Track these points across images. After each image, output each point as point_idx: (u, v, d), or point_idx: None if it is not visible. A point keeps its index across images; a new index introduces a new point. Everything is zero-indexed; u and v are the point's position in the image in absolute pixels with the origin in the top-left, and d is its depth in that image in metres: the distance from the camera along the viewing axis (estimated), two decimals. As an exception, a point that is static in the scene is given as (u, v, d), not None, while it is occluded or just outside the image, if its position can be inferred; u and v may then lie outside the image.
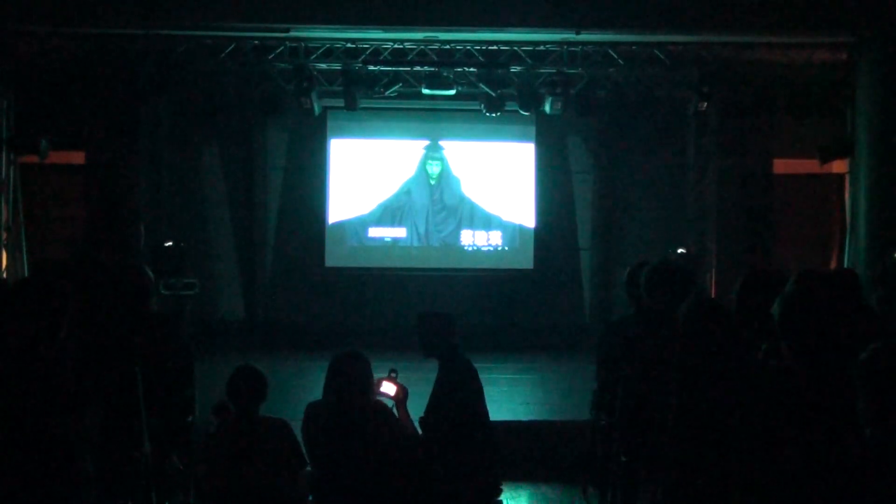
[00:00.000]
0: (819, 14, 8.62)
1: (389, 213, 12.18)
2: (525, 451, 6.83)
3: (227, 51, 9.99)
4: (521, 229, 12.23)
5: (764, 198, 11.13)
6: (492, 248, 12.25)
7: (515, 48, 10.07)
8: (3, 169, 9.70)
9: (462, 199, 12.21)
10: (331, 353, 4.54)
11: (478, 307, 11.96)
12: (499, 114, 10.80)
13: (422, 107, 11.75)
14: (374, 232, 12.17)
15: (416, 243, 12.22)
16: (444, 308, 11.60)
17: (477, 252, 12.26)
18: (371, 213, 12.14)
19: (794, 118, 10.63)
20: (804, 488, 2.74)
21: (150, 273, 4.74)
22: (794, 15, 8.62)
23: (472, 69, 10.35)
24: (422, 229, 12.20)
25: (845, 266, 9.50)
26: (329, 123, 11.94)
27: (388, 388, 4.67)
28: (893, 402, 2.45)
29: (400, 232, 12.20)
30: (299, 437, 4.46)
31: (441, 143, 12.20)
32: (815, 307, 2.99)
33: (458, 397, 4.91)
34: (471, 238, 12.25)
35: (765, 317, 3.33)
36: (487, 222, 12.23)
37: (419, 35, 9.58)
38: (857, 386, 2.53)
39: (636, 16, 8.72)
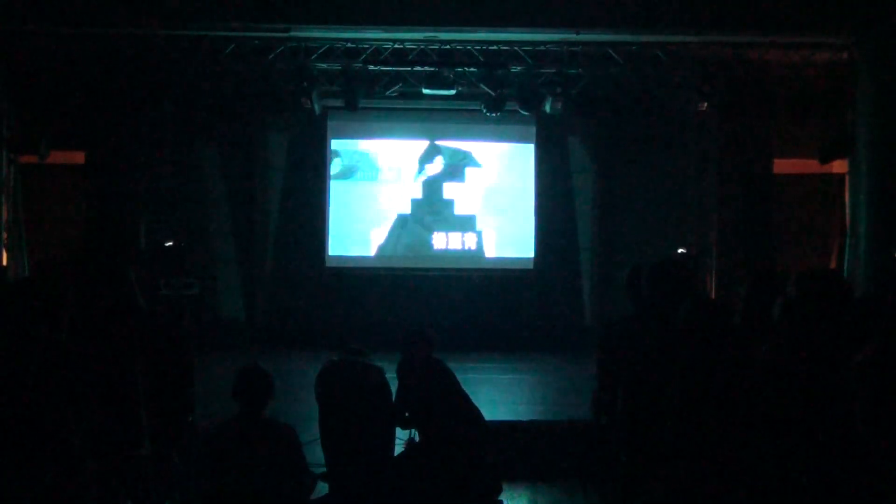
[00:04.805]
0: (819, 14, 8.61)
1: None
2: (525, 451, 6.82)
3: (227, 51, 9.99)
4: (522, 229, 12.22)
5: (764, 198, 11.12)
6: (491, 257, 12.24)
7: (515, 48, 10.07)
8: (3, 169, 9.70)
9: (458, 207, 12.19)
10: (330, 353, 4.54)
11: (478, 307, 11.97)
12: (499, 114, 10.81)
13: (422, 107, 11.76)
14: (376, 230, 12.16)
15: (416, 240, 12.20)
16: (443, 308, 11.73)
17: (475, 257, 12.24)
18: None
19: (794, 118, 10.62)
20: (803, 486, 2.74)
21: (131, 272, 4.68)
22: (794, 15, 8.62)
23: (472, 69, 10.36)
24: (423, 227, 12.19)
25: (846, 266, 9.50)
26: (329, 123, 11.94)
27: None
28: (889, 403, 2.45)
29: (402, 228, 12.18)
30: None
31: (440, 143, 12.19)
32: (814, 308, 3.00)
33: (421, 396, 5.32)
34: (470, 243, 12.23)
35: (769, 317, 3.33)
36: (486, 228, 12.21)
37: (419, 35, 9.58)
38: (855, 387, 2.54)
39: (636, 16, 8.71)
